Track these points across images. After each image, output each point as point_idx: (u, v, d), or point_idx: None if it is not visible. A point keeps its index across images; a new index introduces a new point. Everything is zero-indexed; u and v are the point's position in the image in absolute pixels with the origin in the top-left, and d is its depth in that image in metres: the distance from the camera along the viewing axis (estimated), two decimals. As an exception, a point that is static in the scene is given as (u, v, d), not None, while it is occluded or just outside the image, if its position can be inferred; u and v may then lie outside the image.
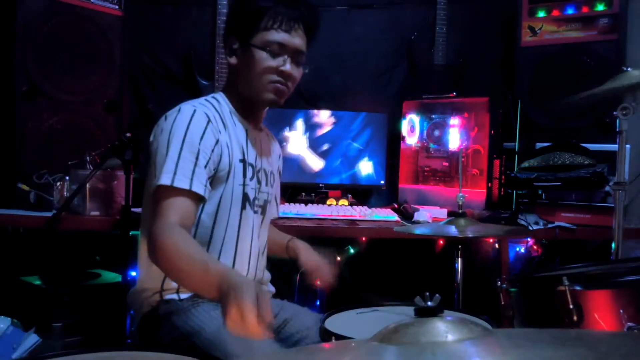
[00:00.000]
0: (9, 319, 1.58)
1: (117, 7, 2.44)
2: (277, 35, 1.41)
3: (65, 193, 2.09)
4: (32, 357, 1.60)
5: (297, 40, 1.44)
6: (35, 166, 2.19)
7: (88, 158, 2.17)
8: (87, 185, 2.03)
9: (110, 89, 2.43)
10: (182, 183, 1.29)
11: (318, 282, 1.58)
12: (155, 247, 1.24)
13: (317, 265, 1.59)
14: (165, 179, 1.29)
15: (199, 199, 1.34)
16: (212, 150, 1.37)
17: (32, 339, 1.61)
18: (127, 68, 2.52)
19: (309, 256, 1.61)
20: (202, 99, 1.47)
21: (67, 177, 2.12)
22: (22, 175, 2.18)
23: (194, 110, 1.38)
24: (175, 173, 1.30)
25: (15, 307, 1.86)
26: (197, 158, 1.33)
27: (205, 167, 1.35)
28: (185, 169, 1.31)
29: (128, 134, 1.88)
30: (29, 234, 2.27)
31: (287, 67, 1.43)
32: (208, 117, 1.39)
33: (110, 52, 2.42)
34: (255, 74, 1.42)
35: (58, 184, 2.11)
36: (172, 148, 1.32)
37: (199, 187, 1.32)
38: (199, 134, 1.35)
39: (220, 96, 1.51)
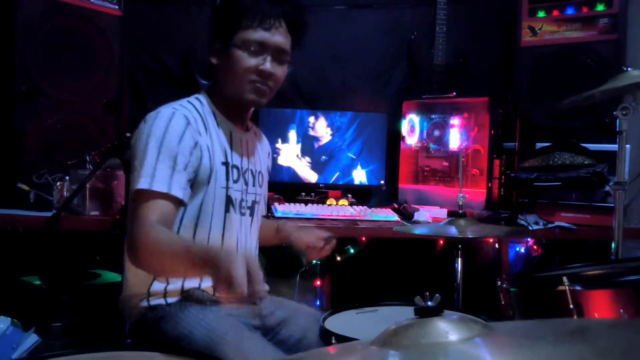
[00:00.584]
0: (9, 319, 1.57)
1: (117, 7, 2.43)
2: (256, 34, 1.39)
3: (65, 193, 2.09)
4: (32, 357, 1.60)
5: (278, 38, 1.41)
6: (35, 166, 2.19)
7: (88, 158, 2.16)
8: (87, 185, 2.03)
9: (109, 89, 2.43)
10: (160, 187, 1.28)
11: (311, 257, 1.57)
12: (137, 249, 1.24)
13: (309, 242, 1.57)
14: (143, 183, 1.28)
15: (178, 203, 1.33)
16: (191, 153, 1.35)
17: (32, 339, 1.60)
18: (126, 68, 2.53)
19: (300, 235, 1.60)
20: (183, 101, 1.45)
21: (67, 177, 2.12)
22: (22, 175, 2.18)
23: (173, 113, 1.36)
24: (153, 177, 1.29)
25: (15, 307, 1.85)
26: (175, 161, 1.31)
27: (185, 170, 1.34)
28: (164, 172, 1.30)
29: (128, 134, 1.88)
30: (29, 234, 2.26)
31: (267, 65, 1.40)
32: (187, 119, 1.37)
33: (110, 52, 2.42)
34: (235, 74, 1.41)
35: (58, 183, 2.11)
36: (150, 151, 1.31)
37: (178, 191, 1.31)
38: (177, 137, 1.33)
39: (203, 97, 1.49)
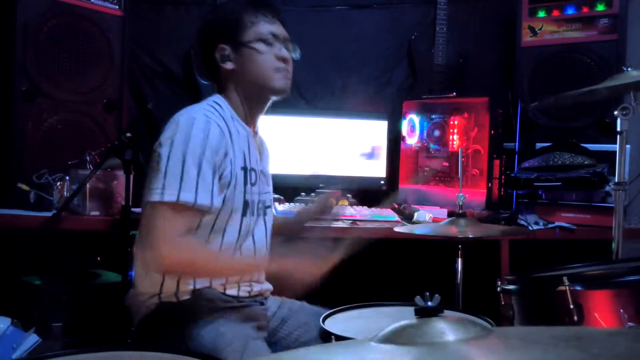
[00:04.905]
0: (9, 319, 1.57)
1: (117, 7, 2.44)
2: (267, 27, 1.47)
3: (65, 193, 2.09)
4: (32, 357, 1.60)
5: (281, 28, 1.51)
6: (35, 166, 2.19)
7: (88, 158, 2.16)
8: (87, 185, 2.03)
9: (110, 89, 2.43)
10: (187, 196, 1.30)
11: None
12: (165, 262, 1.31)
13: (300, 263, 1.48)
14: (170, 195, 1.28)
15: (204, 210, 1.35)
16: (222, 162, 1.37)
17: (32, 339, 1.60)
18: (126, 68, 2.53)
19: (302, 211, 1.69)
20: (206, 105, 1.44)
21: (67, 177, 2.12)
22: (22, 175, 2.18)
23: (208, 121, 1.37)
24: (180, 188, 1.29)
25: (15, 307, 1.85)
26: (210, 169, 1.33)
27: (215, 176, 1.35)
28: (189, 181, 1.30)
29: (128, 134, 1.88)
30: (29, 234, 2.26)
31: (285, 53, 1.48)
32: (220, 127, 1.38)
33: (110, 52, 2.42)
34: (260, 66, 1.46)
35: (58, 184, 2.11)
36: (187, 161, 1.30)
37: (206, 199, 1.33)
38: (212, 148, 1.34)
39: (221, 100, 1.49)
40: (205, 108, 1.43)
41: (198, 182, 1.30)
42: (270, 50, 1.47)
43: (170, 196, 1.28)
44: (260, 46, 1.46)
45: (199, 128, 1.34)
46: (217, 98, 1.50)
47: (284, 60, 1.48)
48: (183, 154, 1.31)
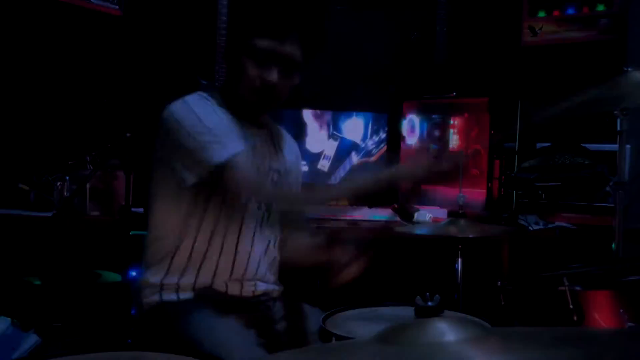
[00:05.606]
0: (9, 319, 1.57)
1: (117, 7, 2.44)
2: (266, 43, 1.35)
3: (65, 193, 2.09)
4: (32, 357, 1.60)
5: (288, 48, 1.37)
6: (35, 166, 2.20)
7: (88, 158, 2.17)
8: (87, 185, 2.03)
9: (110, 89, 2.44)
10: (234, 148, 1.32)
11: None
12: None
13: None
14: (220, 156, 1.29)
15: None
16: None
17: (32, 339, 1.60)
18: (127, 68, 2.53)
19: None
20: (195, 96, 1.43)
21: (67, 177, 2.12)
22: (22, 175, 2.18)
23: (192, 96, 1.41)
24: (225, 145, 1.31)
25: (15, 307, 1.85)
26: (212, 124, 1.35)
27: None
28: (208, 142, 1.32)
29: (128, 134, 1.89)
30: (29, 234, 2.26)
31: (274, 77, 1.36)
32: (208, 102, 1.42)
33: (110, 52, 2.43)
34: (240, 81, 1.39)
35: (58, 184, 2.11)
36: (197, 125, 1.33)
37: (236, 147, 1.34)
38: (207, 107, 1.38)
39: (214, 93, 1.48)
40: (191, 96, 1.44)
41: (217, 135, 1.32)
42: (258, 69, 1.36)
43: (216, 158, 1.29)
44: (249, 62, 1.37)
45: (186, 99, 1.38)
46: (203, 93, 1.47)
47: (267, 85, 1.36)
48: (186, 122, 1.33)
